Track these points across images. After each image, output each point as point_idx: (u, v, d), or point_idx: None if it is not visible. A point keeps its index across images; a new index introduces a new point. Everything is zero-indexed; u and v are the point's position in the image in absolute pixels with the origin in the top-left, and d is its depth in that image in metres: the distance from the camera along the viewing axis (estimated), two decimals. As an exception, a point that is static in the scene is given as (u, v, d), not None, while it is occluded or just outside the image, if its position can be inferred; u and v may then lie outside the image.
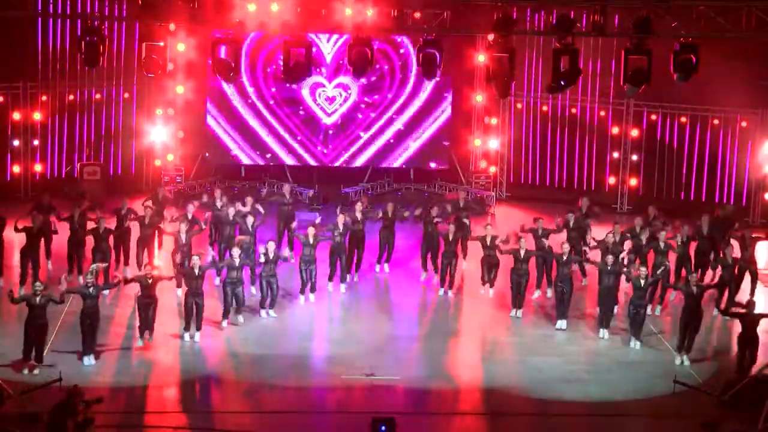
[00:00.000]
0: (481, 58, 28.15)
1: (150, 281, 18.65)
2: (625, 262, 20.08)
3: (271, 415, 16.71)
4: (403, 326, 20.64)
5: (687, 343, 18.78)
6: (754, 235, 21.76)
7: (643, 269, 19.44)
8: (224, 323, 19.74)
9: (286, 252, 20.90)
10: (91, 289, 17.95)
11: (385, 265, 23.10)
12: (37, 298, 17.54)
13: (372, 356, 18.91)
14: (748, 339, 18.07)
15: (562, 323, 20.20)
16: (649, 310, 20.13)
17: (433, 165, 29.71)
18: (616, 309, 20.43)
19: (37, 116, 28.16)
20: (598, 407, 17.18)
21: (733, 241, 21.84)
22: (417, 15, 24.54)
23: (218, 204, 22.89)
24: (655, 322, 20.58)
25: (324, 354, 19.07)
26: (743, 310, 18.39)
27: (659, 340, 19.74)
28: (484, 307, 21.28)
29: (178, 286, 20.88)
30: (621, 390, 17.79)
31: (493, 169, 29.98)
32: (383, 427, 14.13)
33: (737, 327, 18.47)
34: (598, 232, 22.07)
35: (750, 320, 18.10)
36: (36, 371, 17.35)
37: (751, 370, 17.79)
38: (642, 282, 19.19)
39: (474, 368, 18.90)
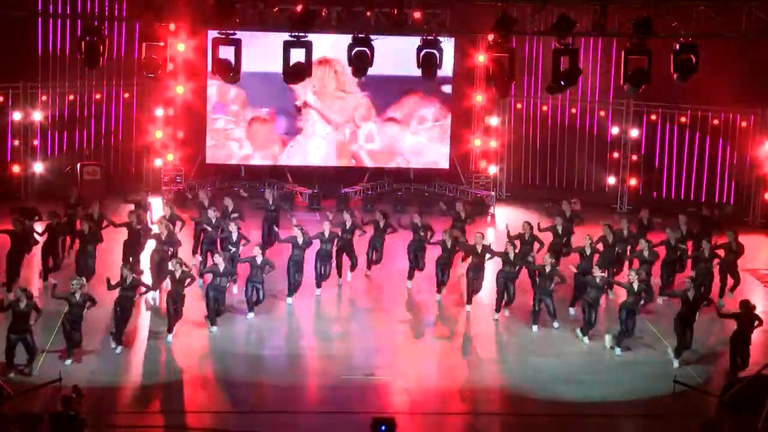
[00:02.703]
0: (481, 58, 28.15)
1: (129, 282, 18.58)
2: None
3: (271, 415, 16.71)
4: (402, 326, 20.64)
5: (687, 344, 18.76)
6: (740, 240, 21.71)
7: (633, 273, 19.33)
8: (213, 328, 19.64)
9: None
10: (77, 296, 17.91)
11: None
12: (21, 305, 17.46)
13: (372, 356, 18.93)
14: (742, 339, 18.06)
15: (554, 323, 20.25)
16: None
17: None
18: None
19: (37, 116, 28.18)
20: (598, 407, 17.18)
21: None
22: (417, 15, 24.63)
23: (204, 203, 22.94)
24: (653, 323, 20.56)
25: (324, 354, 19.06)
26: (739, 311, 18.35)
27: (659, 341, 19.70)
28: (483, 308, 21.26)
29: (154, 289, 20.71)
30: (621, 390, 17.79)
31: (493, 169, 29.98)
32: (383, 427, 14.10)
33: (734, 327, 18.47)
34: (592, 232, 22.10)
35: (747, 320, 18.09)
36: (29, 369, 17.31)
37: (743, 371, 17.77)
38: (636, 286, 19.11)
39: (474, 368, 18.91)
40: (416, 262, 22.35)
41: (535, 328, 20.18)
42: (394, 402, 17.12)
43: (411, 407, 16.92)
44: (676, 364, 18.66)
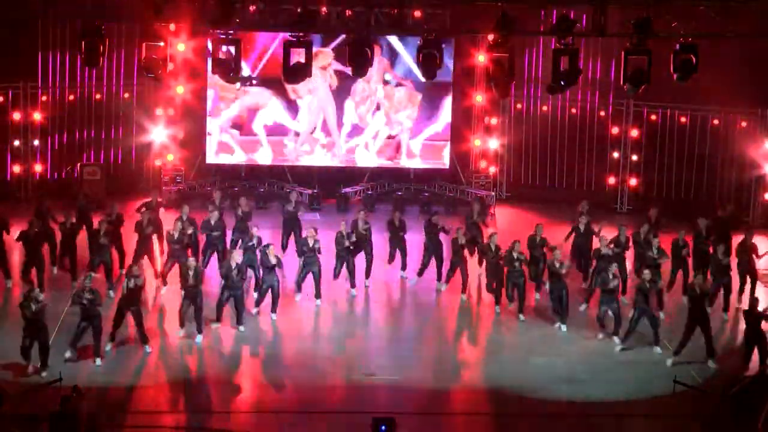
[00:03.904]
0: (481, 58, 28.13)
1: (133, 283, 18.50)
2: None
3: (271, 415, 16.72)
4: (403, 326, 20.65)
5: (707, 346, 18.72)
6: (754, 240, 21.71)
7: (647, 272, 19.35)
8: (214, 325, 19.62)
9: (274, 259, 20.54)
10: (85, 296, 17.90)
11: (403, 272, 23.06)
12: (33, 307, 17.43)
13: (372, 356, 18.92)
14: (757, 337, 18.10)
15: (561, 326, 20.21)
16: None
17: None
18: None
19: (37, 116, 28.16)
20: (598, 407, 17.19)
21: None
22: (417, 15, 24.66)
23: (216, 203, 22.93)
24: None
25: (324, 354, 19.06)
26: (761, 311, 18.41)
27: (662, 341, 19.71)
28: (484, 308, 21.27)
29: (164, 284, 21.04)
30: (621, 390, 17.80)
31: (493, 169, 29.96)
32: (383, 427, 14.13)
33: (739, 326, 18.48)
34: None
35: (757, 318, 18.14)
36: (44, 374, 17.34)
37: (762, 368, 17.82)
38: (648, 286, 19.13)
39: (474, 368, 18.92)
40: (438, 261, 22.28)
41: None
42: (394, 402, 17.12)
43: (411, 407, 16.92)
44: (669, 362, 18.68)
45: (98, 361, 17.95)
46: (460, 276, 21.70)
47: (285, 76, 20.16)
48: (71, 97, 28.72)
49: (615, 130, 29.32)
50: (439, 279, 22.20)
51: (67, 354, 17.89)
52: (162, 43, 19.52)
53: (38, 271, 20.93)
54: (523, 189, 30.29)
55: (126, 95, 29.34)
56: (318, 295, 21.20)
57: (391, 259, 22.92)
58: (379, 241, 22.99)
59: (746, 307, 19.08)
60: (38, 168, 28.46)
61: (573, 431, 16.74)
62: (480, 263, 22.17)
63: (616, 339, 19.64)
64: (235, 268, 19.49)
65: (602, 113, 29.47)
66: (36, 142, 28.32)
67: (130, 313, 18.56)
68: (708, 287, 19.43)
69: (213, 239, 22.00)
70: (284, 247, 23.06)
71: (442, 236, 22.17)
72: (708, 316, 18.87)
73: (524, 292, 20.79)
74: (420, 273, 22.45)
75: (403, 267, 22.87)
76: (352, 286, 21.85)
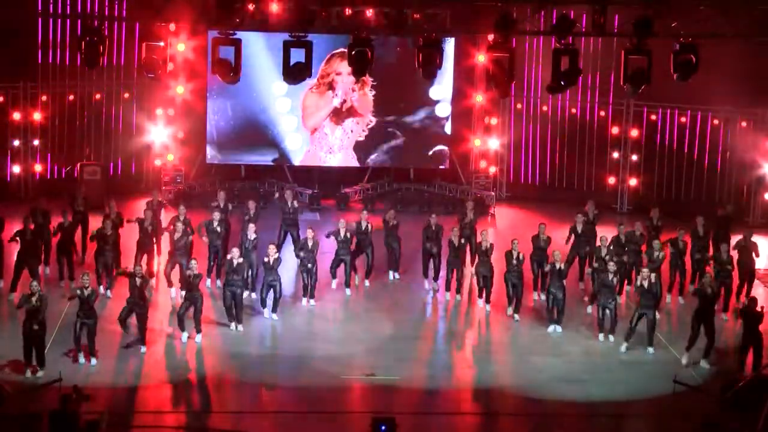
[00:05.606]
0: (481, 58, 28.13)
1: (139, 282, 18.56)
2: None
3: (271, 415, 16.72)
4: (403, 326, 20.63)
5: (706, 346, 18.70)
6: (753, 239, 21.74)
7: (645, 271, 19.37)
8: (232, 326, 19.71)
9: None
10: (86, 291, 17.89)
11: (395, 274, 23.02)
12: (33, 299, 17.44)
13: (372, 356, 18.92)
14: (753, 337, 18.13)
15: (557, 328, 20.18)
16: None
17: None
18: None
19: (37, 116, 28.15)
20: (598, 407, 17.19)
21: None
22: (417, 15, 24.64)
23: (220, 204, 22.90)
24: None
25: (324, 354, 19.06)
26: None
27: (659, 341, 19.71)
28: (483, 308, 21.26)
29: (170, 285, 21.05)
30: (621, 390, 17.81)
31: (493, 169, 29.96)
32: (383, 427, 14.13)
33: (736, 326, 18.49)
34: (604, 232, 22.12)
35: (754, 317, 18.15)
36: (39, 374, 17.34)
37: (756, 368, 17.81)
38: (646, 284, 19.14)
39: (474, 368, 18.91)
40: (434, 263, 22.29)
41: (551, 328, 20.16)
42: (394, 402, 17.12)
43: (411, 407, 16.92)
44: (684, 360, 18.66)
45: (93, 361, 17.94)
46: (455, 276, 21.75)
47: (285, 77, 20.18)
48: (71, 97, 28.71)
49: (615, 130, 29.33)
50: (435, 279, 22.19)
51: (86, 361, 17.87)
52: (162, 43, 19.52)
53: (32, 270, 20.88)
54: (523, 189, 30.30)
55: (126, 95, 29.35)
56: (312, 296, 21.20)
57: (390, 261, 22.84)
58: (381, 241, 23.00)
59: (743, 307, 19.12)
60: (38, 168, 28.46)
61: (573, 431, 16.74)
62: (473, 263, 22.18)
63: (611, 338, 19.66)
64: (244, 267, 19.57)
65: (602, 113, 29.47)
66: (36, 142, 28.33)
67: (136, 313, 18.58)
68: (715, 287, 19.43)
69: (215, 240, 21.96)
70: (279, 246, 23.02)
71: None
72: (714, 318, 18.88)
73: (522, 293, 20.77)
74: (435, 278, 22.36)
75: (396, 268, 22.86)
76: (347, 285, 21.87)
